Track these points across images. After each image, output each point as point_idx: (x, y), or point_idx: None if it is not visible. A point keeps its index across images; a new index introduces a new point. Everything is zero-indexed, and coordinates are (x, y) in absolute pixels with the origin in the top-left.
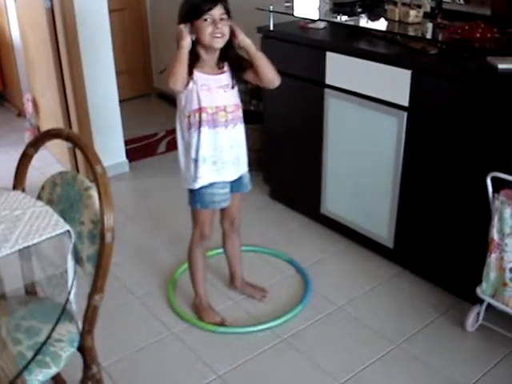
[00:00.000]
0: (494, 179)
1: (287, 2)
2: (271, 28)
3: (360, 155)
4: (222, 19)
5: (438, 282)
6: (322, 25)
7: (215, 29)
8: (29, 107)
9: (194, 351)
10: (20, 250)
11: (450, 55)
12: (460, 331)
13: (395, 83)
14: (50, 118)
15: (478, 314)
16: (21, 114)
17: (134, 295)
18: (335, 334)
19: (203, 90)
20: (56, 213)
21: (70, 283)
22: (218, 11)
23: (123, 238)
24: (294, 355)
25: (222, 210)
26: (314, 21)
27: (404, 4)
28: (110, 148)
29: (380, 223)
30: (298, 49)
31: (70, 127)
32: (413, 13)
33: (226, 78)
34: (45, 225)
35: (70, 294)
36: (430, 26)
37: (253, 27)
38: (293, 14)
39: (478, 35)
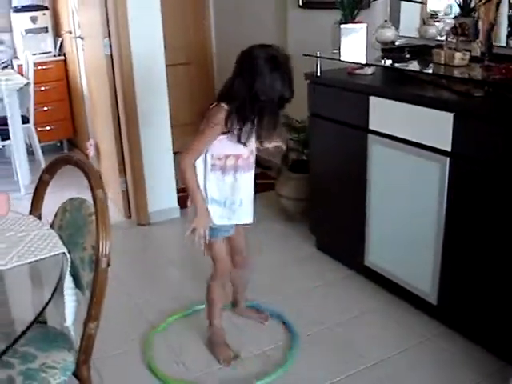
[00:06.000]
0: None
1: (335, 49)
2: (318, 74)
3: (403, 203)
4: None
5: (483, 344)
6: (369, 70)
7: None
8: (91, 152)
9: None
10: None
11: (495, 97)
12: None
13: (437, 127)
14: (108, 162)
15: None
16: (87, 158)
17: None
18: None
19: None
20: (64, 238)
21: (66, 310)
22: None
23: (162, 281)
24: None
25: (231, 244)
26: (361, 66)
27: (450, 48)
28: (162, 193)
29: (423, 278)
30: (343, 94)
31: (124, 172)
32: (458, 55)
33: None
34: (43, 246)
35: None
36: (475, 68)
37: (301, 73)
38: (339, 59)
39: None
